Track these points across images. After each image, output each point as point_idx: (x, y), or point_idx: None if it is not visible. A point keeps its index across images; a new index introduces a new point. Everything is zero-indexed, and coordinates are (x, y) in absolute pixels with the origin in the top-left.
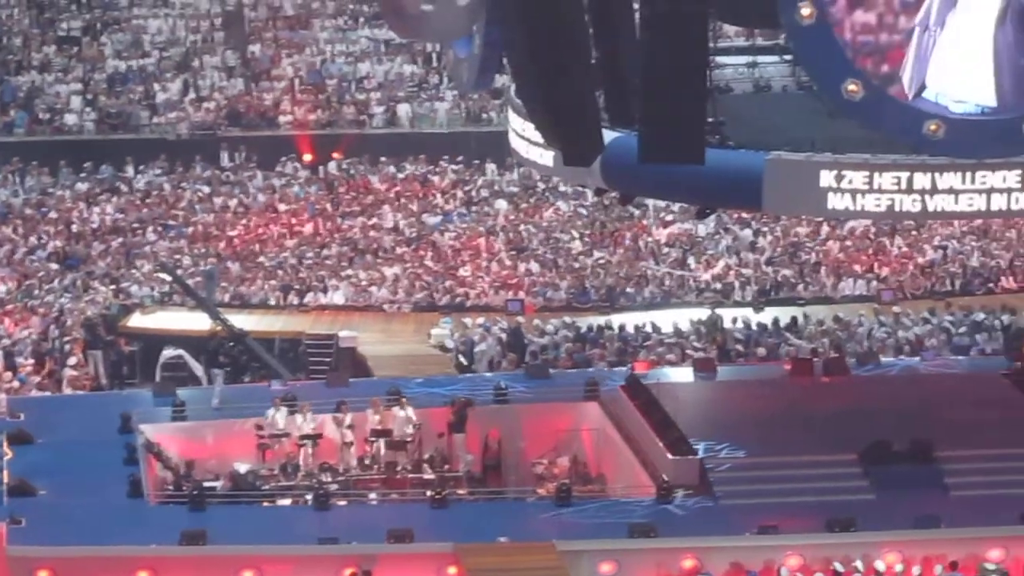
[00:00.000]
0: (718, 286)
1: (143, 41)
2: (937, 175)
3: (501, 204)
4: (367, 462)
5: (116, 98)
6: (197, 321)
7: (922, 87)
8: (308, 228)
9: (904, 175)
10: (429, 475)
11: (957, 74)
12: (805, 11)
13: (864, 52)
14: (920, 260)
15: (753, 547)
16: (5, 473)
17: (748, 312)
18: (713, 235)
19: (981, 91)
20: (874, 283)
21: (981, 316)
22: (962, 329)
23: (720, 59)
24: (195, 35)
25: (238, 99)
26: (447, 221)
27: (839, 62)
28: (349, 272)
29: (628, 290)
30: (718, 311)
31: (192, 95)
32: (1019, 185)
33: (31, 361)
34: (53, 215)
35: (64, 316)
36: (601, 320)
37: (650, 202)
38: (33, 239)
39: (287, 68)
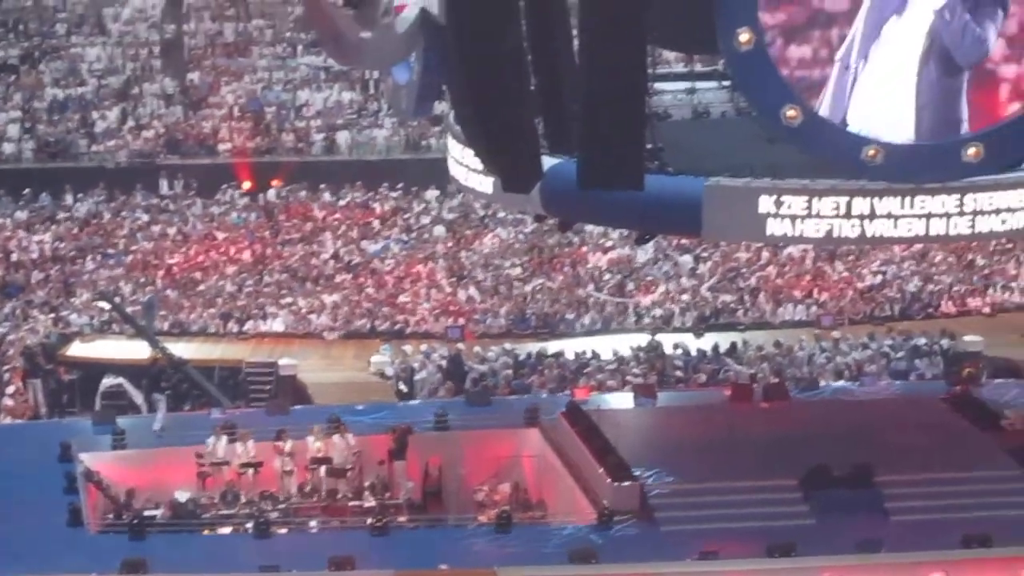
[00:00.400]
0: (658, 312)
1: (81, 69)
2: (876, 200)
3: (441, 231)
4: (308, 490)
5: (55, 126)
6: (137, 349)
7: (843, 123)
8: (247, 255)
9: (843, 200)
10: (370, 502)
11: (878, 111)
12: (743, 37)
13: (801, 86)
14: (860, 285)
15: (694, 572)
16: None
17: (688, 338)
18: (653, 261)
19: (900, 128)
20: (814, 308)
21: (920, 341)
22: (901, 354)
23: (659, 85)
24: (134, 63)
25: (177, 127)
26: (387, 248)
27: (778, 88)
28: (289, 300)
29: (568, 316)
30: (658, 337)
31: (131, 123)
32: (957, 210)
33: None
34: None
35: (3, 345)
36: (541, 347)
37: (590, 228)
38: None
39: (226, 96)
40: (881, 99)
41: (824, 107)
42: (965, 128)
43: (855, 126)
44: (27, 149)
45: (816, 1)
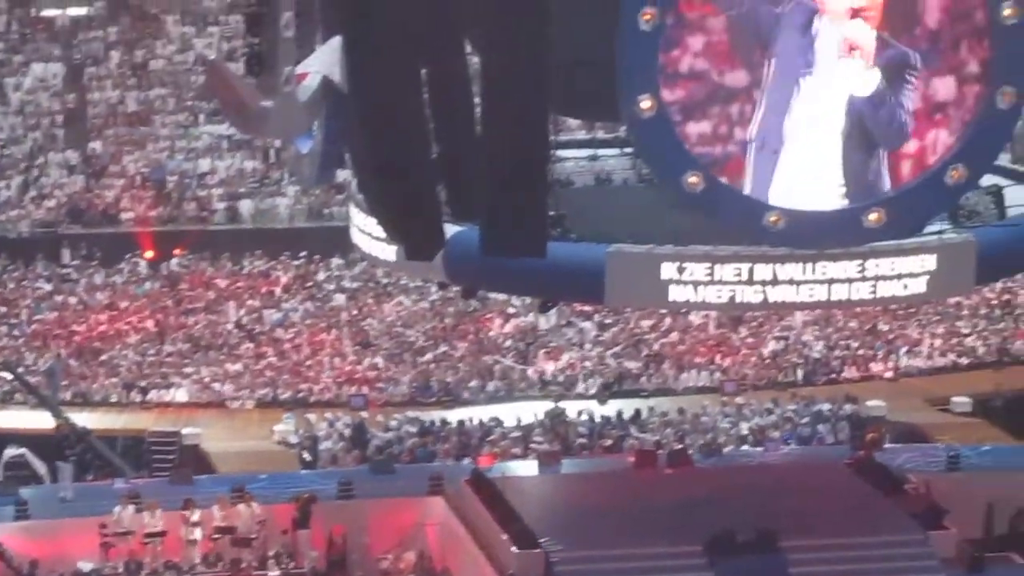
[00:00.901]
0: (561, 379)
1: None
2: (778, 266)
3: (344, 299)
4: (212, 559)
5: None
6: (40, 419)
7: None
8: (150, 325)
9: (745, 266)
10: (274, 572)
11: (805, 190)
12: (645, 104)
13: (704, 162)
14: (763, 351)
15: None
16: None
17: (592, 405)
18: (556, 328)
19: (829, 201)
20: (717, 374)
21: (824, 406)
22: (805, 419)
23: (561, 152)
24: (35, 132)
25: (79, 196)
26: (290, 316)
27: (679, 155)
28: (192, 369)
29: (472, 384)
30: (562, 404)
31: (33, 192)
32: (859, 275)
33: None
34: None
35: None
36: (445, 414)
37: (493, 295)
38: None
39: (128, 165)
40: (807, 180)
41: (727, 176)
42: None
43: (758, 194)
44: None
45: (716, 76)
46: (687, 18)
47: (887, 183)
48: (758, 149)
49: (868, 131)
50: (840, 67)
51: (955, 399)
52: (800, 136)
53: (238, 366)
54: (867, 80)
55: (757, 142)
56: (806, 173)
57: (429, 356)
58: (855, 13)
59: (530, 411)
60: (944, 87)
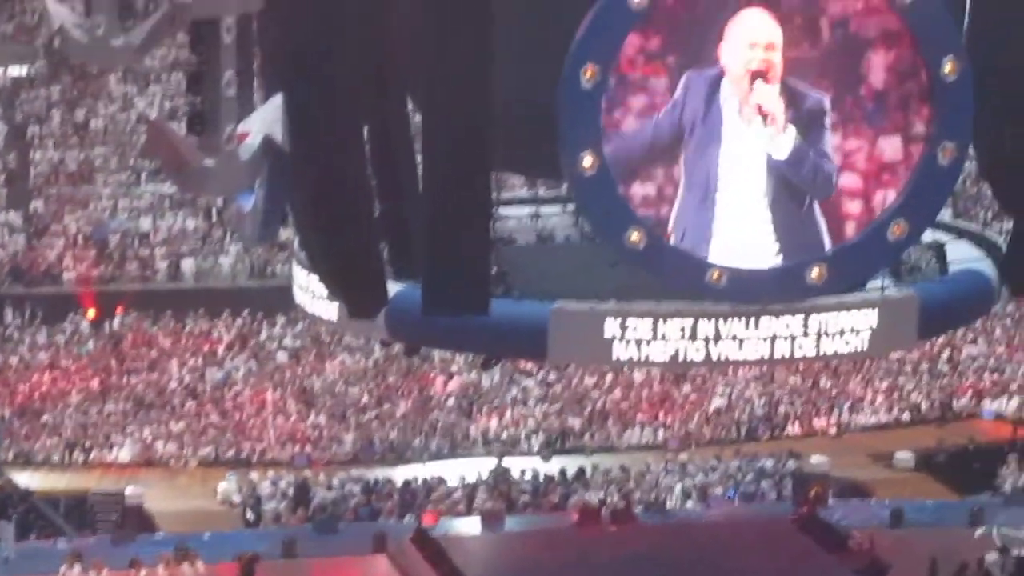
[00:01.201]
0: (505, 437)
1: None
2: (721, 322)
3: (286, 357)
4: None
5: None
6: None
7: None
8: (93, 384)
9: (688, 323)
10: None
11: (741, 248)
12: (587, 162)
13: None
14: (706, 407)
15: None
16: None
17: (535, 462)
18: (499, 386)
19: (766, 258)
20: (661, 431)
21: (767, 463)
22: (748, 476)
23: (503, 210)
24: None
25: (21, 256)
26: (232, 375)
27: (621, 211)
28: (135, 428)
29: (415, 442)
30: (505, 462)
31: None
32: (802, 331)
33: None
34: None
35: None
36: (388, 472)
37: (436, 353)
38: None
39: (70, 224)
40: (724, 229)
41: (668, 232)
42: (811, 251)
43: (698, 251)
44: None
45: (653, 137)
46: (629, 78)
47: (824, 238)
48: (693, 208)
49: (794, 187)
50: (751, 131)
51: (898, 455)
52: (727, 196)
53: (181, 425)
54: (782, 143)
55: (691, 201)
56: (739, 232)
57: (372, 414)
58: (755, 76)
59: (474, 469)
60: (890, 146)
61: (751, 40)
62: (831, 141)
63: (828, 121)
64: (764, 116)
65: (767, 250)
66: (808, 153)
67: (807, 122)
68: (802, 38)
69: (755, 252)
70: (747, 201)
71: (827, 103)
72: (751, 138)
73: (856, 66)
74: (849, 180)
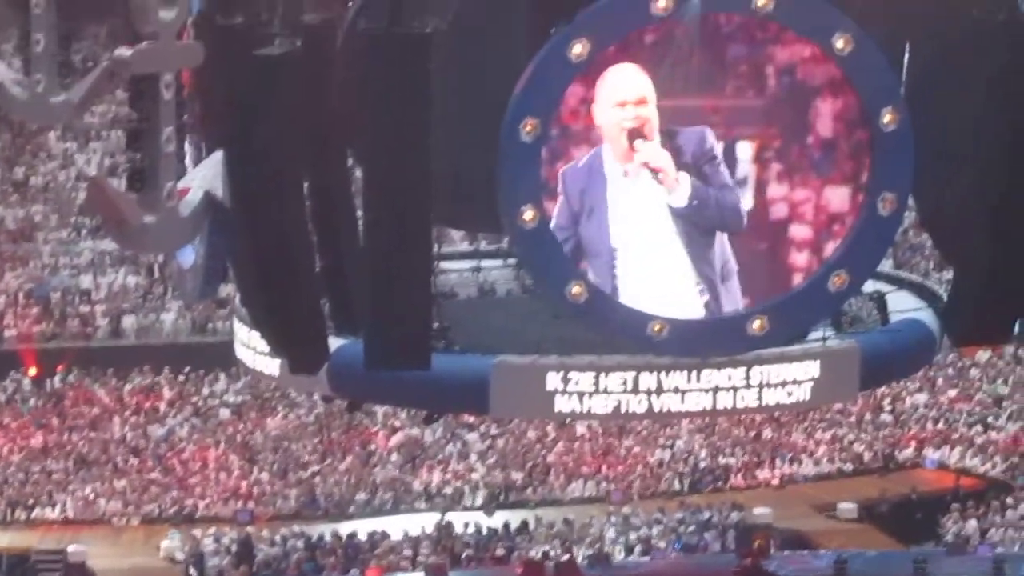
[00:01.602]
0: (448, 491)
1: None
2: (663, 375)
3: (228, 414)
4: None
5: None
6: None
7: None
8: (35, 442)
9: (630, 376)
10: None
11: (656, 289)
12: (528, 215)
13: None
14: (649, 460)
15: None
16: None
17: (479, 516)
18: (441, 440)
19: (690, 307)
20: (604, 484)
21: (710, 514)
22: (691, 527)
23: (444, 264)
24: None
25: None
26: (175, 432)
27: (562, 265)
28: (77, 485)
29: (358, 497)
30: (448, 516)
31: None
32: (744, 383)
33: None
34: None
35: None
36: (332, 528)
37: (378, 408)
38: None
39: (10, 282)
40: (657, 278)
41: (606, 285)
42: (746, 300)
43: (639, 303)
44: None
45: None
46: (571, 129)
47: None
48: (624, 260)
49: (704, 228)
50: (641, 187)
51: (841, 505)
52: (647, 246)
53: (123, 482)
54: (679, 192)
55: (620, 253)
56: (667, 281)
57: (315, 469)
58: (632, 135)
59: (417, 523)
60: (837, 196)
61: (619, 99)
62: (726, 172)
63: (718, 152)
64: (654, 172)
65: (693, 300)
66: (707, 193)
67: (698, 162)
68: (747, 86)
69: (684, 302)
70: (659, 253)
71: (709, 135)
72: (644, 193)
73: (803, 115)
74: (797, 231)
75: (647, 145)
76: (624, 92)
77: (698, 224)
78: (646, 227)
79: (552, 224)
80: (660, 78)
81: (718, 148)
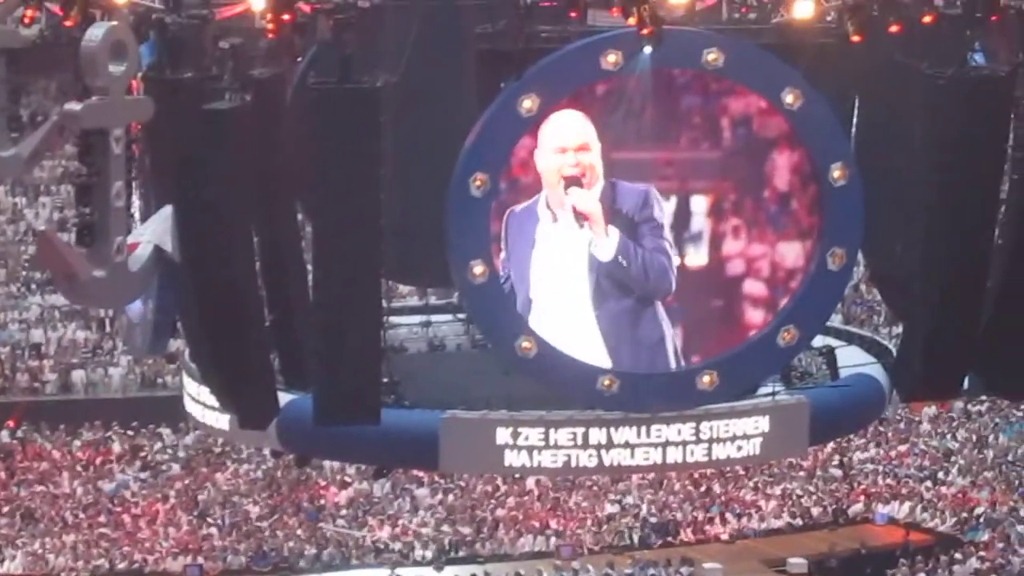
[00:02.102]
0: (397, 546)
1: None
2: (613, 430)
3: (178, 468)
4: None
5: None
6: None
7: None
8: None
9: (580, 431)
10: None
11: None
12: (477, 270)
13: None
14: (598, 514)
15: None
16: None
17: (428, 572)
18: (391, 495)
19: (626, 357)
20: (553, 539)
21: (660, 570)
22: None
23: (394, 319)
24: None
25: None
26: (124, 487)
27: (512, 320)
28: (26, 541)
29: (307, 552)
30: (398, 572)
31: None
32: (694, 438)
33: None
34: None
35: None
36: None
37: (328, 463)
38: None
39: None
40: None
41: (556, 338)
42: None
43: (589, 357)
44: None
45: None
46: (521, 182)
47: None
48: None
49: (627, 287)
50: (569, 236)
51: (791, 560)
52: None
53: (72, 537)
54: (605, 245)
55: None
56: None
57: (265, 524)
58: (569, 182)
59: None
60: (791, 252)
61: (560, 144)
62: (659, 234)
63: (659, 215)
64: (581, 218)
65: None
66: (635, 251)
67: (636, 220)
68: (702, 138)
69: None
70: (573, 306)
71: (653, 196)
72: (570, 242)
73: (758, 169)
74: (750, 286)
75: (582, 193)
76: (565, 138)
77: (621, 283)
78: (564, 277)
79: (501, 272)
80: (612, 130)
81: (661, 211)
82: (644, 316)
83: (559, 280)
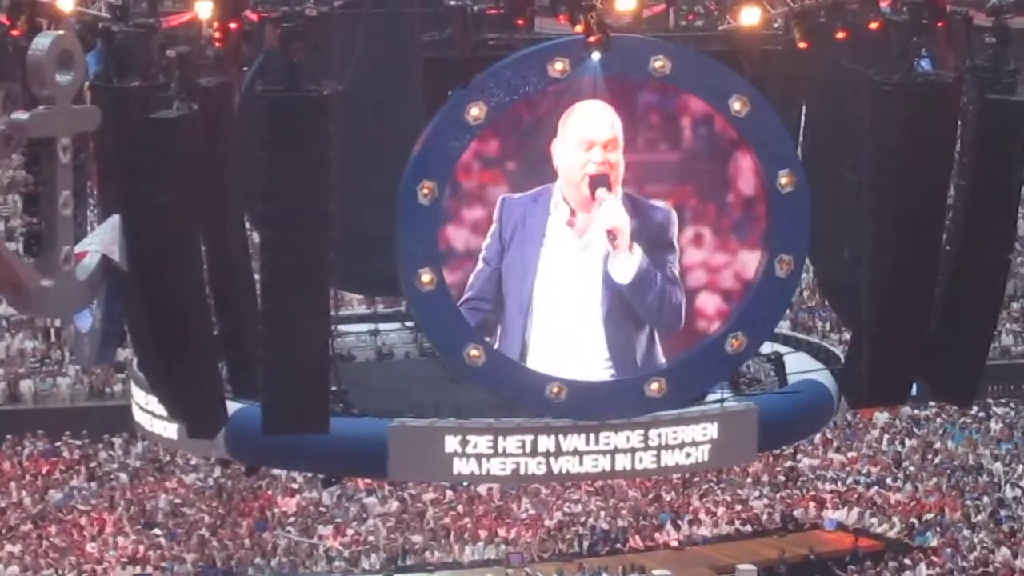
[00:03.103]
0: (347, 554)
1: None
2: (561, 437)
3: (126, 478)
4: None
5: None
6: None
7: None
8: None
9: (528, 438)
10: None
11: (576, 362)
12: (425, 278)
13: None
14: (547, 522)
15: None
16: None
17: None
18: (339, 503)
19: (583, 367)
20: (503, 547)
21: None
22: None
23: (342, 327)
24: None
25: None
26: (71, 497)
27: (460, 328)
28: None
29: (256, 561)
30: None
31: None
32: (642, 445)
33: None
34: None
35: None
36: None
37: (277, 472)
38: None
39: None
40: (561, 341)
41: (505, 346)
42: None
43: (537, 365)
44: None
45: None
46: (464, 188)
47: (659, 358)
48: (526, 322)
49: (635, 313)
50: (583, 243)
51: (740, 567)
52: (559, 309)
53: (19, 547)
54: (627, 265)
55: (520, 315)
56: (573, 345)
57: (213, 533)
58: (595, 182)
59: None
60: (752, 260)
61: (587, 138)
62: (677, 264)
63: (675, 239)
64: (610, 235)
65: (597, 366)
66: (655, 278)
67: (655, 242)
68: (659, 139)
69: (587, 366)
70: (579, 316)
71: (673, 218)
72: (581, 250)
73: (723, 168)
74: (704, 296)
75: (609, 198)
76: (593, 131)
77: (630, 307)
78: (571, 287)
79: (481, 255)
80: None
81: (677, 237)
82: (641, 337)
83: (568, 290)
